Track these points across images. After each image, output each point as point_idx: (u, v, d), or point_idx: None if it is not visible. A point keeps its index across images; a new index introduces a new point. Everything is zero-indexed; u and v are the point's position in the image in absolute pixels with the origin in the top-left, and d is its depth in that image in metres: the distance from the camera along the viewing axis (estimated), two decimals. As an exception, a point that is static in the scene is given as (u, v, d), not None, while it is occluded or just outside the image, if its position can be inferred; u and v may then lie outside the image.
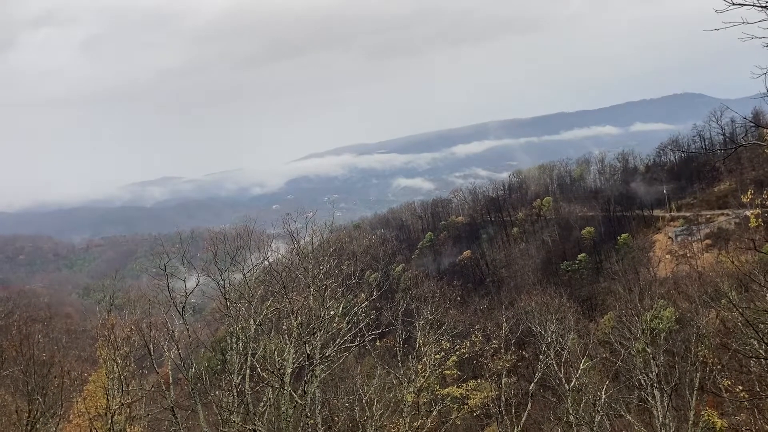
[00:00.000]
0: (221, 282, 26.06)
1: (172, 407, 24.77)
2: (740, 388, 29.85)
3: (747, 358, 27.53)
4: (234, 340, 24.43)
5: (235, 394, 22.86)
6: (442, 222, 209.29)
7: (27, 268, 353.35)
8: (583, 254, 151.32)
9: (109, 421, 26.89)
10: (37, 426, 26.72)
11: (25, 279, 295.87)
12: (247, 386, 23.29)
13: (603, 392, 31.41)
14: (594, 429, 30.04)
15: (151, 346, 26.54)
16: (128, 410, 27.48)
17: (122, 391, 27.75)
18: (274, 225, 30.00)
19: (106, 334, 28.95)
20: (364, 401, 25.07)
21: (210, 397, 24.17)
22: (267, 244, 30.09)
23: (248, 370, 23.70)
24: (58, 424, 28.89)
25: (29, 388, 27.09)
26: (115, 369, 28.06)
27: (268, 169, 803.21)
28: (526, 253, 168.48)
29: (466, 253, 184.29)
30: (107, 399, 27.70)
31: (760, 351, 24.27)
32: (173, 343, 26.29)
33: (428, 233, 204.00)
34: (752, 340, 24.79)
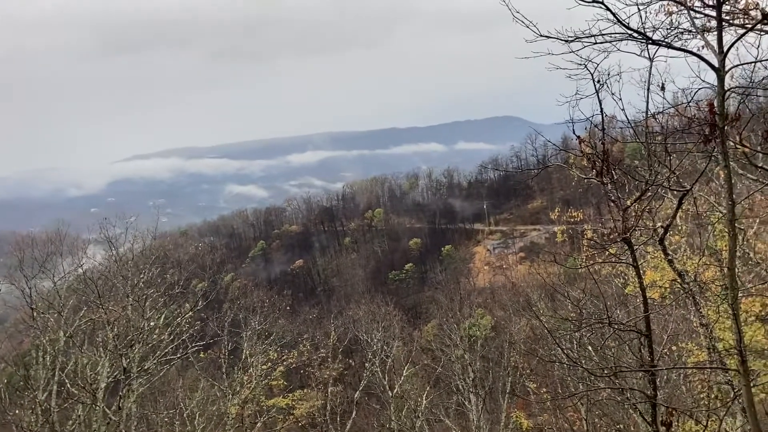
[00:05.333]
0: (27, 290, 23.84)
1: (-38, 430, 22.19)
2: (544, 390, 32.40)
3: (551, 363, 29.99)
4: (40, 353, 22.48)
5: (39, 412, 20.98)
6: (276, 230, 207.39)
7: None
8: (410, 264, 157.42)
9: None
10: None
11: None
12: (53, 403, 21.48)
13: (424, 398, 32.69)
14: (414, 433, 31.14)
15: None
16: None
17: None
18: (91, 230, 28.03)
19: None
20: (185, 415, 24.14)
21: (9, 417, 21.95)
22: (82, 249, 28.02)
23: (56, 386, 21.91)
24: None
25: None
26: None
27: (87, 170, 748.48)
28: (356, 263, 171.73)
29: (299, 262, 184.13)
30: None
31: (562, 356, 26.59)
32: (-34, 359, 23.60)
33: (260, 242, 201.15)
34: (555, 346, 27.09)
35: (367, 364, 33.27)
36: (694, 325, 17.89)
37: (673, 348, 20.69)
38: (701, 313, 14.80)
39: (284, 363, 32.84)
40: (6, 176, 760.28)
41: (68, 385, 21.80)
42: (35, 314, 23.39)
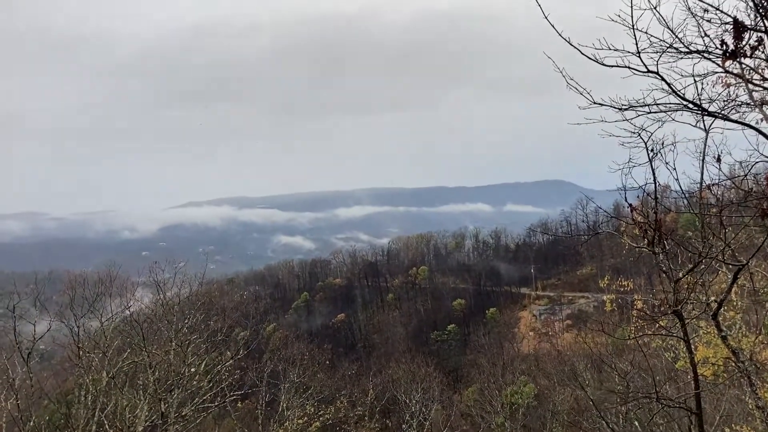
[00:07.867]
0: (75, 329, 24.34)
1: (2, 465, 22.42)
2: (587, 464, 31.09)
3: (595, 436, 28.88)
4: (83, 392, 22.75)
5: (77, 452, 21.12)
6: (320, 282, 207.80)
7: None
8: (453, 325, 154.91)
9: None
10: None
11: None
12: (90, 444, 21.60)
13: (461, 464, 31.74)
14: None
15: (-15, 394, 24.05)
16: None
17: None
18: (141, 273, 28.66)
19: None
20: (218, 465, 23.88)
21: (47, 455, 22.16)
22: (130, 291, 28.58)
23: (95, 426, 22.06)
24: None
25: None
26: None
27: (141, 214, 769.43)
28: (398, 320, 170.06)
29: (341, 316, 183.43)
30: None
31: (607, 430, 25.60)
32: (12, 393, 24.04)
33: (304, 293, 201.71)
34: (600, 419, 26.12)
35: (404, 426, 32.59)
36: (750, 407, 17.05)
37: (726, 430, 19.71)
38: (757, 394, 14.10)
39: (320, 418, 32.41)
40: (64, 217, 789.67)
41: (107, 426, 21.91)
42: (81, 353, 23.79)
